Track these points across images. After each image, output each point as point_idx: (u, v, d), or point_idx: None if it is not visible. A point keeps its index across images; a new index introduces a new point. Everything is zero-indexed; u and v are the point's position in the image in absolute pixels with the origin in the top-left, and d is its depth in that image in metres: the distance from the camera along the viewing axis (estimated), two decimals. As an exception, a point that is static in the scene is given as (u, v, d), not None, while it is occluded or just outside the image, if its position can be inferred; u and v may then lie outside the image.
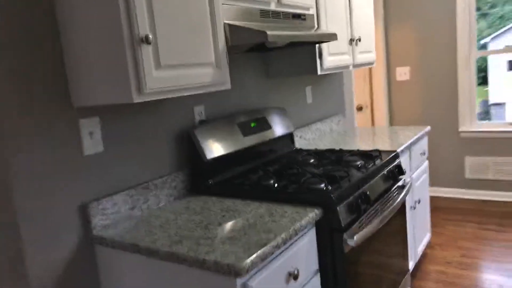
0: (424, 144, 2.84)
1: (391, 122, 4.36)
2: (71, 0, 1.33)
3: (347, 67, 2.54)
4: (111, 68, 1.29)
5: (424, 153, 2.83)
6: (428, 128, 2.86)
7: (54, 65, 1.41)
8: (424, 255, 3.01)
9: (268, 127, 2.21)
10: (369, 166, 1.92)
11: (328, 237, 1.55)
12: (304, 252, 1.46)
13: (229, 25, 1.62)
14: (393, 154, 2.12)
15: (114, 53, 1.26)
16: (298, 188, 1.66)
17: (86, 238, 1.50)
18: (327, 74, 3.12)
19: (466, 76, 3.91)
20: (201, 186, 1.85)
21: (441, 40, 3.96)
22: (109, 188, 1.58)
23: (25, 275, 1.34)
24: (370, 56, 2.86)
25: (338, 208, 1.54)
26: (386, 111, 4.31)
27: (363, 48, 2.73)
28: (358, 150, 2.21)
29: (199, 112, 1.96)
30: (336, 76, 3.27)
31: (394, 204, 1.89)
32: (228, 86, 1.64)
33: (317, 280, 1.54)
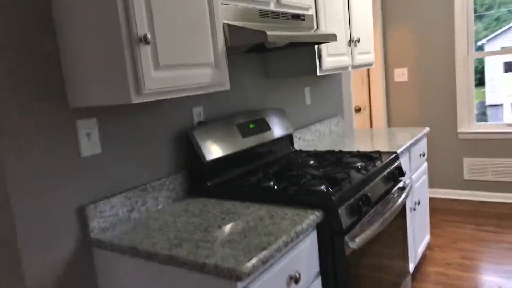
0: (423, 145, 2.83)
1: (389, 123, 4.36)
2: (68, -1, 1.31)
3: (346, 68, 2.53)
4: (109, 68, 1.26)
5: (423, 155, 2.82)
6: (427, 129, 2.85)
7: (50, 65, 1.38)
8: (423, 257, 3.00)
9: (268, 128, 2.19)
10: (370, 167, 1.91)
11: (329, 240, 1.53)
12: (305, 255, 1.44)
13: (228, 25, 1.60)
14: (393, 156, 2.11)
15: (112, 53, 1.24)
16: (299, 190, 1.64)
17: (84, 241, 1.48)
18: (326, 75, 3.10)
19: (464, 77, 3.91)
20: (200, 188, 1.83)
21: (439, 41, 3.96)
22: (107, 190, 1.55)
23: (22, 276, 1.32)
24: (369, 57, 2.85)
25: (339, 210, 1.52)
26: (384, 113, 4.30)
27: (362, 49, 2.72)
28: (358, 151, 2.19)
29: (198, 113, 1.94)
30: (335, 77, 3.26)
31: (395, 206, 1.88)
32: (227, 87, 1.62)
33: (318, 283, 1.52)
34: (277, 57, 2.37)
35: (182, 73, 1.40)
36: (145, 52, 1.26)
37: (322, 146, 2.62)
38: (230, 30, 1.61)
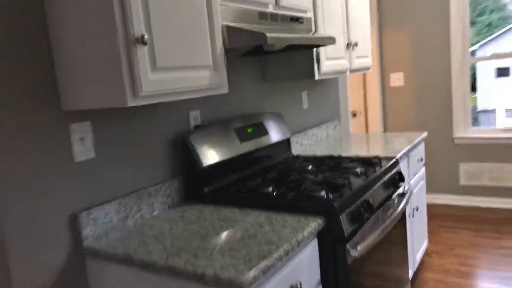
0: (421, 150, 2.80)
1: (385, 128, 4.34)
2: (62, -3, 1.26)
3: (344, 71, 2.50)
4: (104, 69, 1.21)
5: (421, 159, 2.80)
6: (425, 134, 2.83)
7: (42, 65, 1.33)
8: (421, 263, 2.96)
9: (265, 132, 2.15)
10: (370, 173, 1.87)
11: (330, 248, 1.48)
12: (306, 264, 1.39)
13: (227, 26, 1.56)
14: (393, 161, 2.08)
15: (108, 53, 1.19)
16: (298, 196, 1.59)
17: (76, 249, 1.42)
18: (323, 79, 3.07)
19: (460, 82, 3.90)
20: (197, 194, 1.78)
21: (435, 45, 3.95)
22: (101, 197, 1.50)
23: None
24: (367, 61, 2.82)
25: (340, 217, 1.48)
26: (380, 117, 4.28)
27: (359, 53, 2.69)
28: (357, 156, 2.16)
29: (195, 116, 1.89)
30: (332, 82, 3.23)
31: (396, 212, 1.84)
32: (225, 90, 1.58)
33: (319, 292, 1.48)
34: (275, 60, 2.33)
35: (180, 75, 1.35)
36: (142, 53, 1.21)
37: (320, 151, 2.58)
38: (229, 31, 1.56)
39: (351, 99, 4.16)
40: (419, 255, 2.73)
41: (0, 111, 1.22)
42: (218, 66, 1.51)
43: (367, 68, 2.85)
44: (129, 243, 1.38)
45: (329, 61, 2.30)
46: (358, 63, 2.67)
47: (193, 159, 1.75)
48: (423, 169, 2.86)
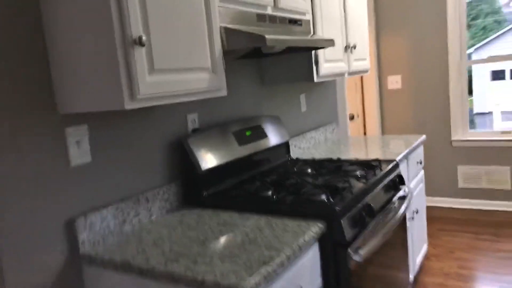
0: (420, 153, 2.79)
1: (383, 131, 4.32)
2: (58, -2, 1.23)
3: (342, 74, 2.48)
4: (101, 71, 1.19)
5: (420, 162, 2.78)
6: (424, 137, 2.81)
7: (38, 67, 1.30)
8: (421, 267, 2.94)
9: (264, 135, 2.12)
10: (370, 176, 1.85)
11: (332, 252, 1.46)
12: (307, 269, 1.37)
13: (226, 28, 1.54)
14: (393, 164, 2.06)
15: (104, 55, 1.16)
16: (298, 200, 1.57)
17: (73, 256, 1.39)
18: (321, 82, 3.06)
19: (458, 84, 3.90)
20: (195, 198, 1.75)
21: (432, 48, 3.95)
22: (98, 201, 1.47)
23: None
24: (365, 64, 2.81)
25: (342, 221, 1.45)
26: (378, 120, 4.27)
27: (358, 55, 2.68)
28: (357, 159, 2.14)
29: (193, 119, 1.87)
30: (330, 84, 3.21)
31: (397, 215, 1.82)
32: (224, 92, 1.55)
33: (320, 298, 1.45)
34: (274, 62, 2.31)
35: (178, 77, 1.33)
36: (140, 54, 1.19)
37: (319, 154, 2.56)
38: (227, 33, 1.54)
39: (349, 102, 4.15)
40: (419, 259, 2.71)
41: (-6, 114, 1.19)
42: (216, 68, 1.49)
43: (365, 71, 2.84)
44: (126, 249, 1.35)
45: (327, 64, 2.28)
46: (356, 65, 2.65)
47: (191, 162, 1.72)
48: (422, 172, 2.85)
